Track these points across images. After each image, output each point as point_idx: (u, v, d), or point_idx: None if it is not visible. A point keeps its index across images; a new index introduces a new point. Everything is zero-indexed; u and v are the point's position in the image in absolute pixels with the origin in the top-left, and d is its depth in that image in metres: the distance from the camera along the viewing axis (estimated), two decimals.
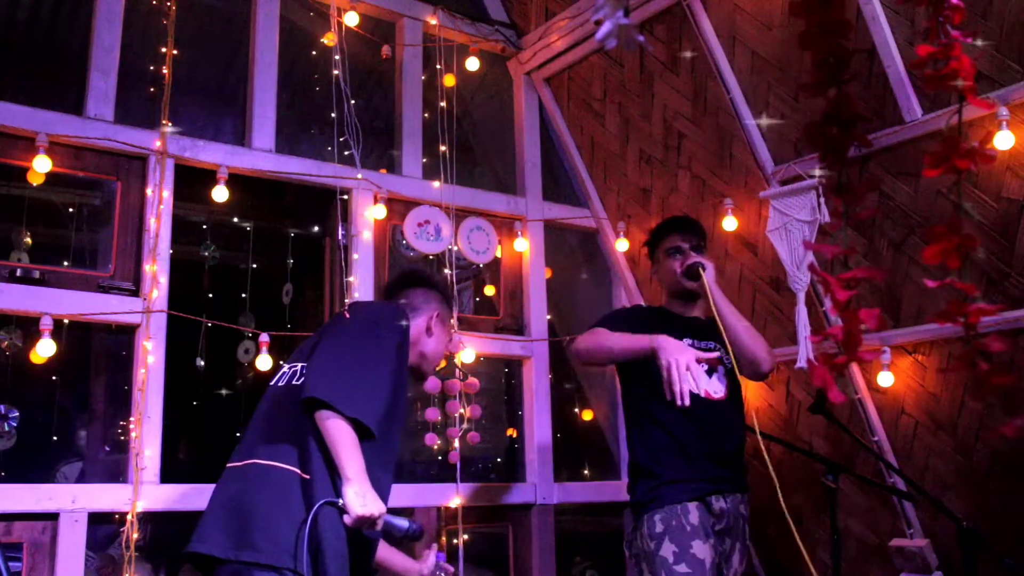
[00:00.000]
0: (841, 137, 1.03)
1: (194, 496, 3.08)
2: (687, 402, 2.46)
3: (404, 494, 3.63)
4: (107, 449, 3.67)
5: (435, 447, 3.68)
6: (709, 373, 2.81)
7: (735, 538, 2.72)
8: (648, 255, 3.04)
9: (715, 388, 2.79)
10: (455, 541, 3.56)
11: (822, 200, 3.24)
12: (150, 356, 3.10)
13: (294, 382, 2.24)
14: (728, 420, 2.77)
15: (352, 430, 2.04)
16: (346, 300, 3.55)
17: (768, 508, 3.87)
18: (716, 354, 2.67)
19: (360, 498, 1.98)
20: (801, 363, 3.31)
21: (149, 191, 3.25)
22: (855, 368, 3.37)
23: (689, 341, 2.81)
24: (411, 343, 2.38)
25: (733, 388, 2.82)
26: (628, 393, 2.92)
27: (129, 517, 2.95)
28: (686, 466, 2.68)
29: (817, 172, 3.26)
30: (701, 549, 2.57)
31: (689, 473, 2.67)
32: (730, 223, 3.61)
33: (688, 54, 3.58)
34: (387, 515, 2.06)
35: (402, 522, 2.09)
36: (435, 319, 2.47)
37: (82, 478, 3.80)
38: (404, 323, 2.31)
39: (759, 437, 2.59)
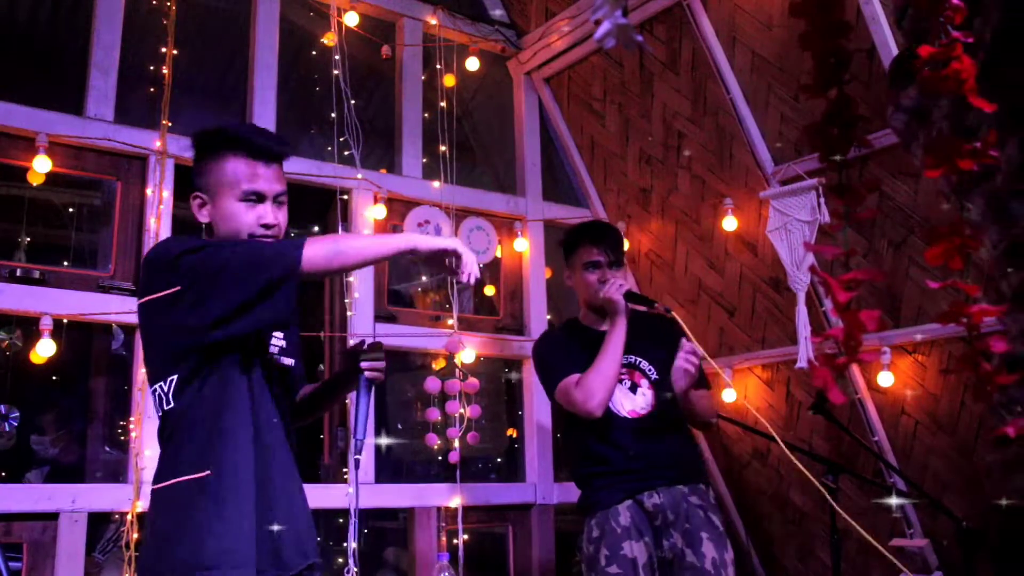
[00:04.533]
0: (841, 138, 1.03)
1: None
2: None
3: (404, 494, 3.63)
4: (107, 449, 3.67)
5: (435, 447, 3.68)
6: (633, 390, 2.78)
7: (694, 529, 2.65)
8: (564, 257, 2.95)
9: (640, 404, 2.76)
10: (455, 541, 3.56)
11: (822, 200, 3.25)
12: None
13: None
14: (658, 431, 2.74)
15: (326, 243, 1.77)
16: (346, 300, 3.56)
17: (768, 508, 3.88)
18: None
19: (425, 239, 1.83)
20: (801, 363, 3.31)
21: (149, 191, 3.25)
22: (855, 368, 3.37)
23: None
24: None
25: (660, 398, 2.77)
26: (558, 413, 2.95)
27: (129, 517, 2.95)
28: (615, 472, 2.71)
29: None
30: (631, 548, 2.60)
31: (619, 478, 2.70)
32: (730, 223, 3.61)
33: (688, 54, 3.58)
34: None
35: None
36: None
37: (52, 479, 3.80)
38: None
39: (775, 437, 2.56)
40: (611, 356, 2.67)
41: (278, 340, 2.03)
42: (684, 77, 3.64)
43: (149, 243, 3.18)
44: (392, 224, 3.80)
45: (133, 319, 3.13)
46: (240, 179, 1.90)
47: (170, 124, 3.30)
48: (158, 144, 3.28)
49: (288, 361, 2.04)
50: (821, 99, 1.06)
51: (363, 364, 1.96)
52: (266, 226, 1.90)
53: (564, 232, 3.13)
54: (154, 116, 3.35)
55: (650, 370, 2.81)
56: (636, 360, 2.82)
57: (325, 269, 1.78)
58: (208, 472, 1.79)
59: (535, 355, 2.95)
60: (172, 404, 1.85)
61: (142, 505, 2.98)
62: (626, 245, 4.15)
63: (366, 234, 1.85)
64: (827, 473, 2.69)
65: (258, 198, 1.90)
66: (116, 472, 3.36)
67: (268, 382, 1.93)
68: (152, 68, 3.49)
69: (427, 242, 1.85)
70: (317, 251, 1.74)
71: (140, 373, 3.08)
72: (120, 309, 3.11)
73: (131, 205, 3.27)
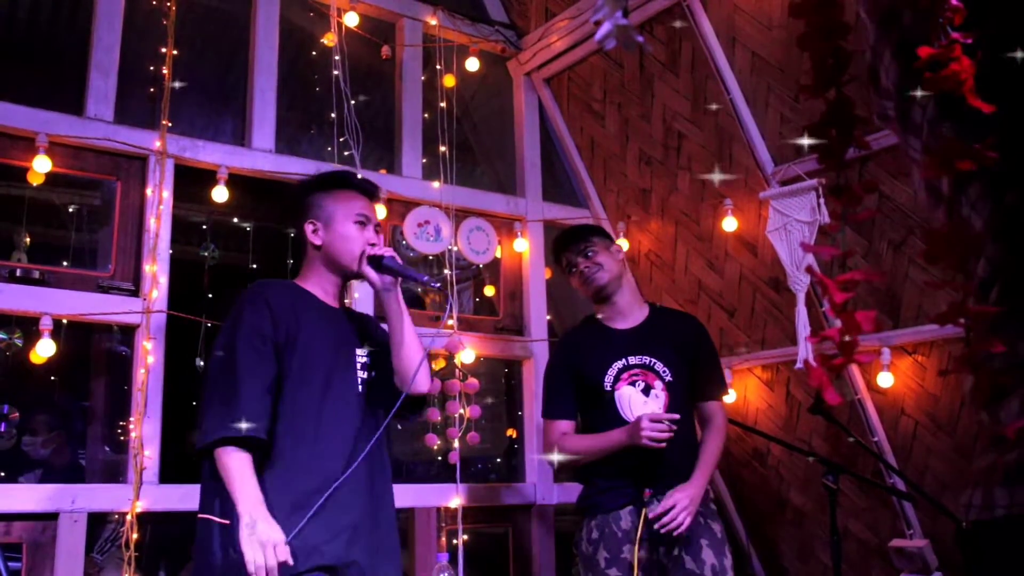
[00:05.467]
0: (840, 139, 1.03)
1: (194, 496, 3.07)
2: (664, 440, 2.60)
3: (404, 495, 3.62)
4: (107, 449, 3.67)
5: (435, 447, 3.68)
6: (646, 392, 2.78)
7: (693, 535, 2.65)
8: None
9: (652, 408, 2.75)
10: (455, 541, 3.56)
11: (822, 201, 3.24)
12: (150, 356, 3.09)
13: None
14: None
15: (225, 460, 2.06)
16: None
17: (768, 508, 3.88)
18: (669, 417, 2.63)
19: (247, 528, 1.99)
20: (801, 364, 3.31)
21: (149, 191, 3.25)
22: (855, 369, 3.37)
23: (622, 363, 2.79)
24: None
25: (673, 401, 2.77)
26: None
27: (129, 517, 2.95)
28: (619, 474, 2.71)
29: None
30: (631, 552, 2.62)
31: (621, 481, 2.70)
32: (730, 223, 3.61)
33: (688, 55, 3.58)
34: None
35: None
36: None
37: (44, 482, 3.80)
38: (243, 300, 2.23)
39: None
40: (596, 450, 2.74)
41: (362, 356, 2.31)
42: (684, 78, 3.64)
43: (149, 243, 3.18)
44: (392, 224, 3.80)
45: (132, 319, 3.14)
46: (354, 207, 2.33)
47: (170, 124, 3.30)
48: (158, 144, 3.27)
49: (371, 375, 2.31)
50: (820, 100, 1.06)
51: (367, 255, 2.27)
52: (371, 244, 2.30)
53: None
54: (154, 116, 3.35)
55: (664, 372, 2.78)
56: (651, 361, 2.79)
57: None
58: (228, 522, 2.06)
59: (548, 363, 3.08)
60: None
61: (142, 505, 2.98)
62: (626, 245, 4.15)
63: (249, 488, 2.06)
64: (827, 473, 2.69)
65: (367, 220, 2.32)
66: (116, 472, 3.36)
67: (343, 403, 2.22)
68: (152, 68, 3.49)
69: (248, 545, 1.98)
70: (222, 461, 2.06)
71: (140, 373, 3.08)
72: (120, 309, 3.11)
73: (131, 205, 3.27)
